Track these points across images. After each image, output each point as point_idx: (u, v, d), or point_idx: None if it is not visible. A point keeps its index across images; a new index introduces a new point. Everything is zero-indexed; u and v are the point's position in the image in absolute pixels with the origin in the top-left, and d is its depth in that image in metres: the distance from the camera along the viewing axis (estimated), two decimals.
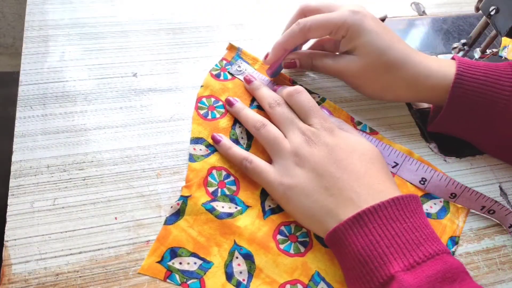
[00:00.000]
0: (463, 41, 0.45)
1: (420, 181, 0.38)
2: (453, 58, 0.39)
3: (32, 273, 0.30)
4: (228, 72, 0.43)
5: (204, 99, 0.40)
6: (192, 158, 0.37)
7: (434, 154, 0.41)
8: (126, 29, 0.45)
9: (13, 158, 0.35)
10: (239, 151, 0.36)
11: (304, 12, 0.41)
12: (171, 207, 0.34)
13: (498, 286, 0.34)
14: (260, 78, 0.42)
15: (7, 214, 0.32)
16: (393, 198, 0.30)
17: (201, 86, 0.41)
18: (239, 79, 0.42)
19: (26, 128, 0.37)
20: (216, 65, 0.43)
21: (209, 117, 0.39)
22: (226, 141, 0.37)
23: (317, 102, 0.42)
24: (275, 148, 0.35)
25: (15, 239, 0.31)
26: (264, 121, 0.37)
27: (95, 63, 0.42)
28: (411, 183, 0.38)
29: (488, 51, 0.44)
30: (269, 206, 0.35)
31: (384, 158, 0.38)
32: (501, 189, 0.39)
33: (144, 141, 0.37)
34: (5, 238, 0.31)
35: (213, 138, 0.38)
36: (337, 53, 0.42)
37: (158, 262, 0.32)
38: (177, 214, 0.34)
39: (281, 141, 0.35)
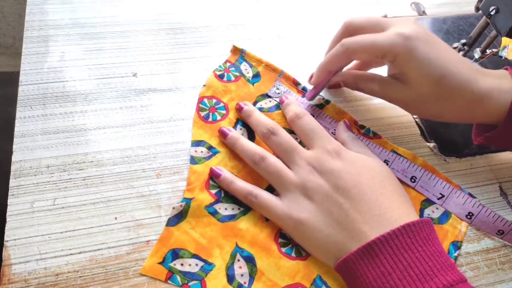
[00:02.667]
0: (463, 41, 0.45)
1: (466, 215, 0.36)
2: (505, 69, 0.36)
3: (32, 273, 0.30)
4: (232, 74, 0.42)
5: (205, 100, 0.40)
6: (193, 160, 0.37)
7: (434, 154, 0.41)
8: (126, 29, 0.45)
9: (13, 158, 0.35)
10: (241, 185, 0.34)
11: (349, 31, 0.37)
12: (173, 208, 0.34)
13: (498, 286, 0.34)
14: (299, 101, 0.40)
15: (7, 214, 0.32)
16: (404, 225, 0.28)
17: (204, 85, 0.41)
18: (276, 101, 0.41)
19: (26, 128, 0.37)
20: (220, 66, 0.43)
21: (210, 119, 0.39)
22: (227, 174, 0.35)
23: (322, 104, 0.41)
24: (279, 181, 0.34)
25: (15, 239, 0.31)
26: (262, 154, 0.35)
27: (95, 63, 0.42)
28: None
29: (488, 51, 0.44)
30: None
31: (430, 189, 0.37)
32: (501, 189, 0.39)
33: (144, 141, 0.37)
34: (5, 238, 0.31)
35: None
36: (385, 76, 0.39)
37: (160, 263, 0.32)
38: (180, 216, 0.34)
39: (284, 174, 0.34)
